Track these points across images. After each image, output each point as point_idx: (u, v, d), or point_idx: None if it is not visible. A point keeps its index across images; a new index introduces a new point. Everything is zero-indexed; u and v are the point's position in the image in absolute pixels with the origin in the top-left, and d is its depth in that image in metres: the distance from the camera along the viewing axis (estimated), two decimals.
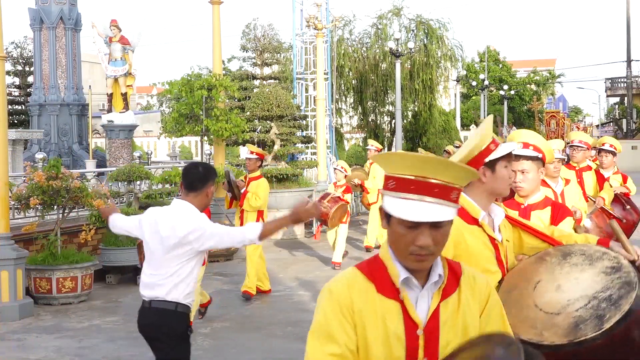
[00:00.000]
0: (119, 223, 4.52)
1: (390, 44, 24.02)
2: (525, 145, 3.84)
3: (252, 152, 9.22)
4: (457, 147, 19.88)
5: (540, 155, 3.85)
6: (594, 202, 6.82)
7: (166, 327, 4.09)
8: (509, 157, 2.97)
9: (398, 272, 1.96)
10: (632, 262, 2.63)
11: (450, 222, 1.95)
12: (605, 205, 7.05)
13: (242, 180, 9.09)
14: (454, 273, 2.06)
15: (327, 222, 9.80)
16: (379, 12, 29.48)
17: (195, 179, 4.06)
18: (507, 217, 3.02)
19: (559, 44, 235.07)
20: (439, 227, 1.91)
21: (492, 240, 2.88)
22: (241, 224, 8.58)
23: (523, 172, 3.81)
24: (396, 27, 26.51)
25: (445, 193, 1.90)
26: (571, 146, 7.60)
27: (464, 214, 2.85)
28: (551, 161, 4.23)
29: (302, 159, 18.19)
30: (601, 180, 7.41)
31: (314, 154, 18.20)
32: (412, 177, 1.89)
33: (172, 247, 3.97)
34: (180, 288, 4.03)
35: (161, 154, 33.88)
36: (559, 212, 3.87)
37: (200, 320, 7.45)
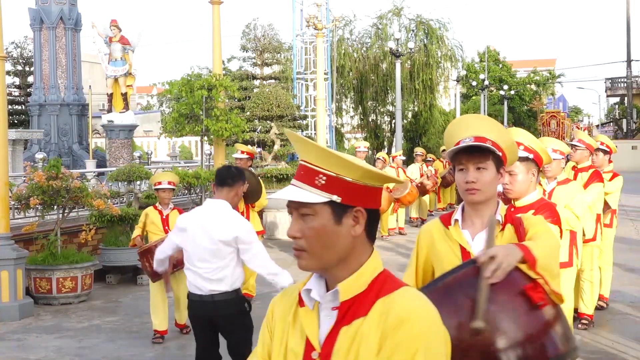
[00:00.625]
0: (161, 255, 4.89)
1: (391, 44, 24.03)
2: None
3: (242, 152, 8.93)
4: None
5: (531, 156, 3.55)
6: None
7: (234, 313, 4.54)
8: (457, 158, 2.68)
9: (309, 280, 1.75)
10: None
11: (319, 215, 1.64)
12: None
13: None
14: (369, 294, 1.64)
15: None
16: (379, 12, 29.51)
17: (228, 176, 4.53)
18: (514, 223, 2.69)
19: (559, 44, 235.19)
20: (305, 217, 1.65)
21: (462, 247, 2.66)
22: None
23: (511, 174, 3.50)
24: (396, 27, 26.53)
25: (309, 176, 1.64)
26: (571, 145, 7.42)
27: (446, 216, 2.77)
28: (548, 162, 3.90)
29: None
30: (591, 180, 6.94)
31: None
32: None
33: (225, 244, 4.42)
34: (236, 274, 4.52)
35: (161, 154, 33.92)
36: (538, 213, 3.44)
37: None
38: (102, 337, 7.34)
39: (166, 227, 6.98)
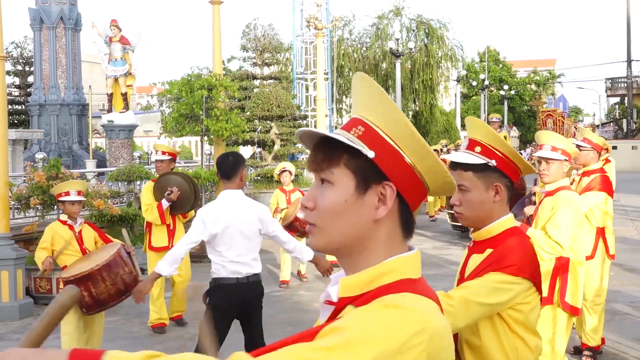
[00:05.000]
0: (178, 256, 4.91)
1: (391, 44, 24.05)
2: (471, 146, 2.49)
3: (163, 152, 7.55)
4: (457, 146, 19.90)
5: (492, 162, 2.42)
6: None
7: (262, 292, 5.00)
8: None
9: None
10: None
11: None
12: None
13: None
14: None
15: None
16: (380, 12, 29.53)
17: (229, 169, 4.78)
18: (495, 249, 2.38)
19: (559, 44, 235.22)
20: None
21: None
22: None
23: (460, 189, 2.44)
24: (397, 27, 26.53)
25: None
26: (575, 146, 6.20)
27: None
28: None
29: (302, 159, 18.20)
30: (588, 187, 6.00)
31: None
32: None
33: (255, 227, 4.83)
34: (259, 257, 4.95)
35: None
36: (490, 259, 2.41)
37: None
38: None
39: (83, 246, 5.85)
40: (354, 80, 1.44)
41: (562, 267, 4.52)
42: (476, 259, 2.44)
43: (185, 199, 7.35)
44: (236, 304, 4.87)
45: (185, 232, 5.48)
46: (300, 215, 8.00)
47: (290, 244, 5.04)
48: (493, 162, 2.42)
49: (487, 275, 2.33)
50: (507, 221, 2.47)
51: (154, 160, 7.98)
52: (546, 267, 4.34)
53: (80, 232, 5.93)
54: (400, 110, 1.35)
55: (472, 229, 2.51)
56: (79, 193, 5.95)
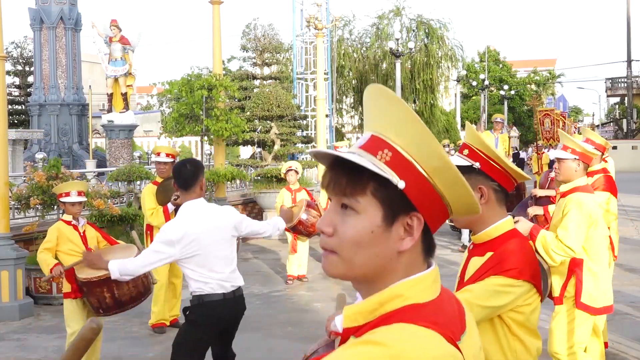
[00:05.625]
0: (129, 271, 4.37)
1: (391, 44, 24.07)
2: (461, 149, 2.52)
3: (167, 155, 7.44)
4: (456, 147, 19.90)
5: (477, 165, 2.43)
6: None
7: (245, 307, 4.63)
8: None
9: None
10: None
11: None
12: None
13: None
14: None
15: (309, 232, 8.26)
16: (380, 12, 29.55)
17: (188, 177, 4.41)
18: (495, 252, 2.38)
19: (559, 44, 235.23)
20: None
21: None
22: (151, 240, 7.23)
23: None
24: (397, 27, 26.53)
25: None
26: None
27: None
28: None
29: (302, 159, 18.20)
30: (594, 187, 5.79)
31: None
32: None
33: (230, 238, 4.51)
34: (237, 270, 4.57)
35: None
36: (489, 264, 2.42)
37: None
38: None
39: (87, 247, 5.72)
40: (370, 92, 1.31)
41: (577, 267, 4.49)
42: (476, 262, 2.45)
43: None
44: (222, 321, 4.51)
45: None
46: (304, 216, 7.90)
47: (265, 230, 4.79)
48: (477, 165, 2.41)
49: (489, 279, 2.36)
50: (506, 224, 2.47)
51: (155, 162, 7.76)
52: (560, 267, 4.29)
53: (84, 232, 5.83)
54: (431, 133, 1.26)
55: (468, 230, 2.52)
56: (79, 194, 5.83)
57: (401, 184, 1.21)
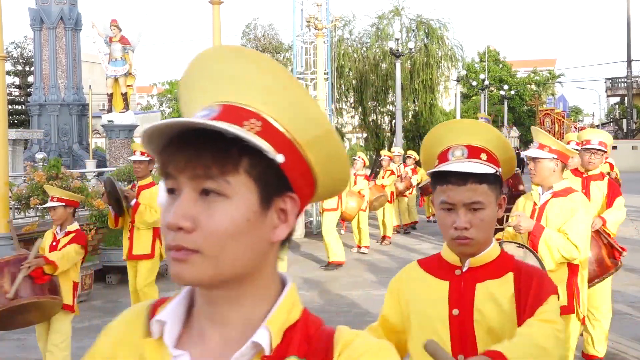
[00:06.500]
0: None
1: (391, 44, 24.06)
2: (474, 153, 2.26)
3: (142, 153, 7.06)
4: None
5: (496, 171, 2.09)
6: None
7: None
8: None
9: None
10: None
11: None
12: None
13: (131, 190, 7.26)
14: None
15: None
16: (380, 12, 29.53)
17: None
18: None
19: (559, 44, 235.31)
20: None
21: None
22: (131, 245, 7.20)
23: (472, 208, 2.01)
24: (396, 27, 26.52)
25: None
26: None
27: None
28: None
29: None
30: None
31: None
32: None
33: None
34: None
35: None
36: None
37: None
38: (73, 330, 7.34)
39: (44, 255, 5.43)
40: (219, 54, 1.06)
41: (574, 274, 4.17)
42: (492, 288, 1.98)
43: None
44: None
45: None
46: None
47: None
48: (500, 171, 2.01)
49: (551, 299, 1.95)
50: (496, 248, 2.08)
51: (133, 162, 7.31)
52: (559, 274, 4.01)
53: (58, 241, 5.51)
54: (311, 97, 1.04)
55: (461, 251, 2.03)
56: (57, 199, 5.56)
57: (279, 158, 0.99)
